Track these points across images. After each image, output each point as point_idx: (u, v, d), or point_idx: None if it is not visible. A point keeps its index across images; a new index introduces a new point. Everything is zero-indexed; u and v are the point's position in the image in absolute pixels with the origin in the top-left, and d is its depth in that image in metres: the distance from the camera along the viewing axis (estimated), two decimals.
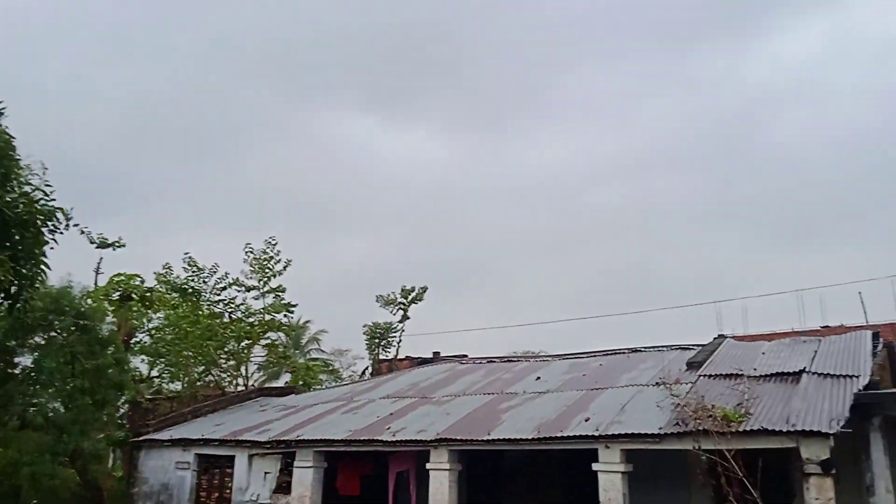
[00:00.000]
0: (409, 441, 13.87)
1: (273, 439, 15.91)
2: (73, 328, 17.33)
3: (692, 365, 14.80)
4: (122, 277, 25.19)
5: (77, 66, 71.06)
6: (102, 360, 17.48)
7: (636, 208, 68.89)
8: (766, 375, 13.18)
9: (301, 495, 15.10)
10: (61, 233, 11.22)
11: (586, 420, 12.62)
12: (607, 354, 18.64)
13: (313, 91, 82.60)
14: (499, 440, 12.80)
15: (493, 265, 72.42)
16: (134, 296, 24.64)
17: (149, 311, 24.92)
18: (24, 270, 10.93)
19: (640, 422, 11.94)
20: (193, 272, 24.39)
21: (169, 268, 24.55)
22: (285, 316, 25.53)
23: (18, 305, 11.33)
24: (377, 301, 29.37)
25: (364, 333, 29.97)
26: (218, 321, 23.92)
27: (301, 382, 25.60)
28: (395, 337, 29.50)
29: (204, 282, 24.46)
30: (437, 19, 76.98)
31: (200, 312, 23.51)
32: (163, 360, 24.58)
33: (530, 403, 14.66)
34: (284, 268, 25.12)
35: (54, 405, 17.48)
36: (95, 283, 25.14)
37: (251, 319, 24.78)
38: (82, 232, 19.02)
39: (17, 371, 17.34)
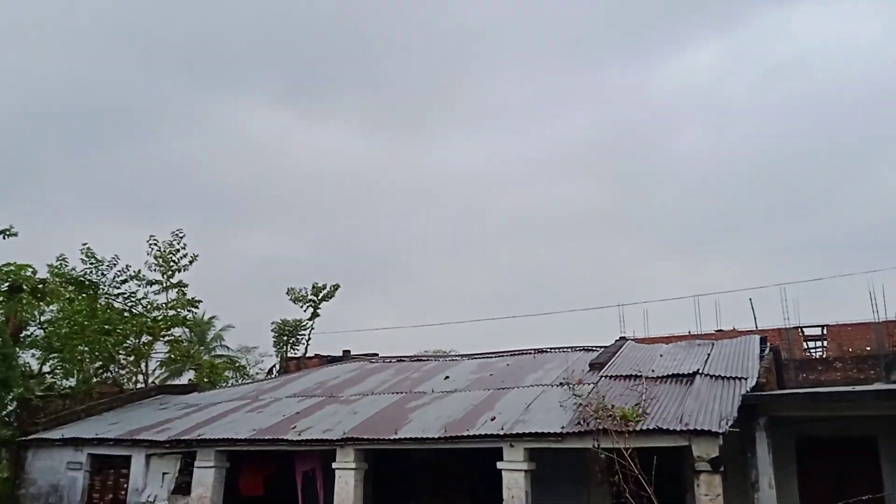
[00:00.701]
0: (315, 440, 13.71)
1: (172, 438, 15.38)
2: None
3: (595, 366, 15.28)
4: (12, 268, 23.71)
5: None
6: None
7: (544, 212, 70.67)
8: (663, 377, 13.75)
9: (201, 496, 14.66)
10: None
11: (492, 419, 12.82)
12: (514, 355, 18.99)
13: (227, 83, 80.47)
14: (406, 439, 12.83)
15: (405, 264, 72.69)
16: (25, 287, 23.25)
17: (41, 304, 23.55)
18: None
19: (544, 421, 12.23)
20: (91, 264, 23.22)
21: (64, 259, 23.29)
22: (189, 311, 24.69)
23: None
24: (287, 297, 28.89)
25: (272, 330, 29.41)
26: (117, 316, 22.88)
27: (206, 380, 24.85)
28: (304, 334, 29.09)
29: (103, 274, 23.34)
30: (357, 19, 76.53)
31: (98, 306, 22.43)
32: (56, 355, 23.33)
33: (438, 403, 14.77)
34: (191, 262, 24.30)
35: None
36: None
37: (153, 314, 23.84)
38: None
39: None
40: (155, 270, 23.99)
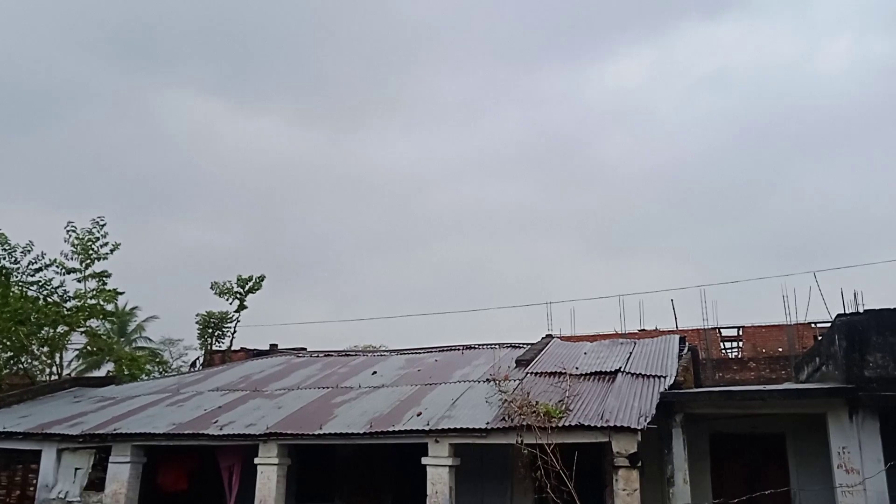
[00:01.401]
0: (237, 435, 13.43)
1: (86, 433, 14.79)
2: None
3: (521, 362, 15.48)
4: None
5: None
6: None
7: (477, 210, 71.28)
8: (587, 374, 14.05)
9: (115, 492, 14.16)
10: None
11: (418, 415, 12.83)
12: (443, 350, 19.08)
13: (158, 70, 78.01)
14: (330, 434, 12.71)
15: (337, 259, 72.09)
16: None
17: None
18: None
19: (469, 417, 12.32)
20: (4, 249, 22.11)
21: None
22: (109, 302, 23.78)
23: None
24: (212, 289, 28.21)
25: (197, 323, 28.69)
26: (31, 304, 21.84)
27: (125, 373, 24.00)
28: (229, 327, 28.49)
29: (16, 261, 22.25)
30: (293, 12, 75.29)
31: (10, 294, 21.36)
32: None
33: (364, 398, 14.69)
34: (112, 251, 23.39)
35: None
36: None
37: (70, 304, 22.85)
38: None
39: None
40: (73, 259, 23.01)
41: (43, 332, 22.52)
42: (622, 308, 33.65)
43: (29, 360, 23.26)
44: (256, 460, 13.24)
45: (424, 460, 12.00)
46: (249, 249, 68.97)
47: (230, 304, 28.44)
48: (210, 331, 28.44)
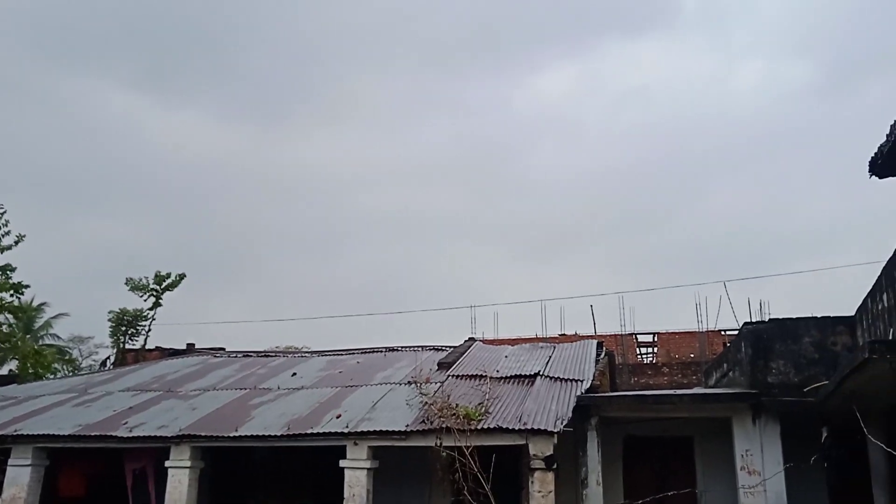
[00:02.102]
0: (148, 437, 12.95)
1: None
2: None
3: (443, 365, 15.54)
4: None
5: None
6: None
7: (403, 215, 71.32)
8: (507, 377, 14.23)
9: (14, 496, 13.41)
10: None
11: (337, 417, 12.69)
12: (365, 352, 18.95)
13: (73, 59, 74.60)
14: (246, 437, 12.42)
15: (260, 258, 70.68)
16: None
17: None
18: None
19: (389, 419, 12.27)
20: None
21: None
22: (13, 296, 22.54)
23: None
24: (127, 285, 27.18)
25: (110, 320, 27.57)
26: None
27: (30, 371, 22.81)
28: (144, 325, 27.50)
29: None
30: (221, 10, 73.54)
31: None
32: None
33: (283, 400, 14.44)
34: (16, 242, 22.16)
35: None
36: None
37: None
38: None
39: None
40: None
41: None
42: (544, 312, 34.37)
43: None
44: (168, 463, 12.81)
45: (342, 463, 11.88)
46: (169, 247, 66.87)
47: (145, 301, 27.49)
48: (123, 329, 27.37)
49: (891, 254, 9.24)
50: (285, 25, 76.13)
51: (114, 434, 13.14)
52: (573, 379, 13.80)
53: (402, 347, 18.92)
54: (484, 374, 14.28)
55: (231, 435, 12.51)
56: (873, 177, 6.80)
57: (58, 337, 34.97)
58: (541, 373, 14.22)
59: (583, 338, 23.97)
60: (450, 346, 18.01)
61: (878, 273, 10.04)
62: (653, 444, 14.14)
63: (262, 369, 17.85)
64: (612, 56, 79.14)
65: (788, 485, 11.80)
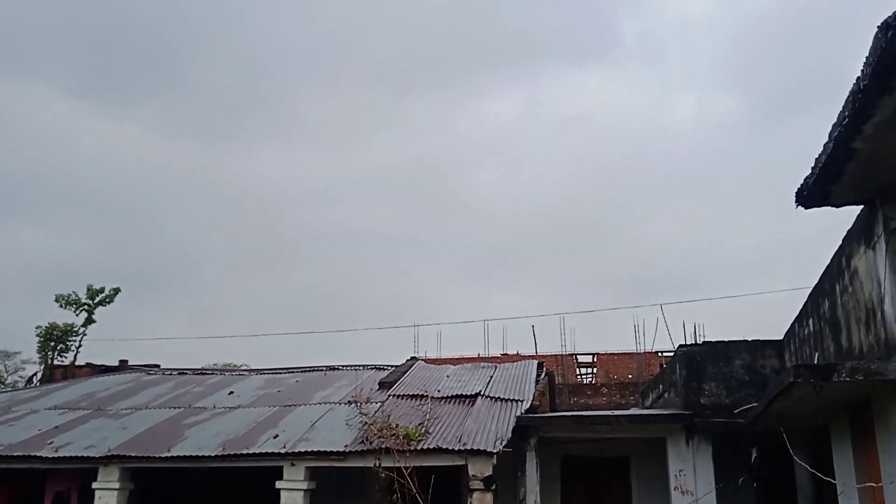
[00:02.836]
0: (75, 458, 12.46)
1: None
2: None
3: (384, 385, 15.44)
4: None
5: None
6: None
7: (347, 232, 70.94)
8: (448, 397, 14.22)
9: None
10: None
11: (275, 437, 12.46)
12: (304, 371, 18.68)
13: (7, 62, 71.94)
14: (179, 457, 12.07)
15: (198, 273, 69.19)
16: None
17: None
18: None
19: (328, 439, 12.11)
20: None
21: None
22: None
23: None
24: (57, 302, 26.22)
25: (38, 335, 26.51)
26: None
27: None
28: (75, 341, 26.54)
29: None
30: (166, 23, 72.38)
31: None
32: None
33: (219, 419, 14.10)
34: None
35: None
36: None
37: None
38: None
39: None
40: None
41: None
42: (486, 332, 34.57)
43: None
44: (95, 485, 12.33)
45: (278, 484, 11.65)
46: (104, 260, 65.00)
47: (77, 315, 26.55)
48: (52, 344, 26.37)
49: (816, 281, 9.63)
50: (233, 41, 75.54)
51: (37, 454, 12.60)
52: (513, 399, 13.89)
53: (342, 366, 18.72)
54: (425, 394, 14.24)
55: (163, 455, 12.14)
56: (800, 207, 7.07)
57: None
58: (482, 393, 14.26)
59: (524, 358, 24.15)
60: (391, 366, 17.91)
61: (805, 299, 10.44)
62: (590, 463, 14.32)
63: (197, 387, 17.41)
64: (555, 84, 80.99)
65: None
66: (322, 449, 11.67)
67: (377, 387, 15.46)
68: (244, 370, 21.45)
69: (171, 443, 12.62)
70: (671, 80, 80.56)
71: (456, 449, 11.18)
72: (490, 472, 11.07)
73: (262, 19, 76.71)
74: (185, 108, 76.85)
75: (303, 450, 11.73)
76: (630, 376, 29.32)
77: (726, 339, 13.04)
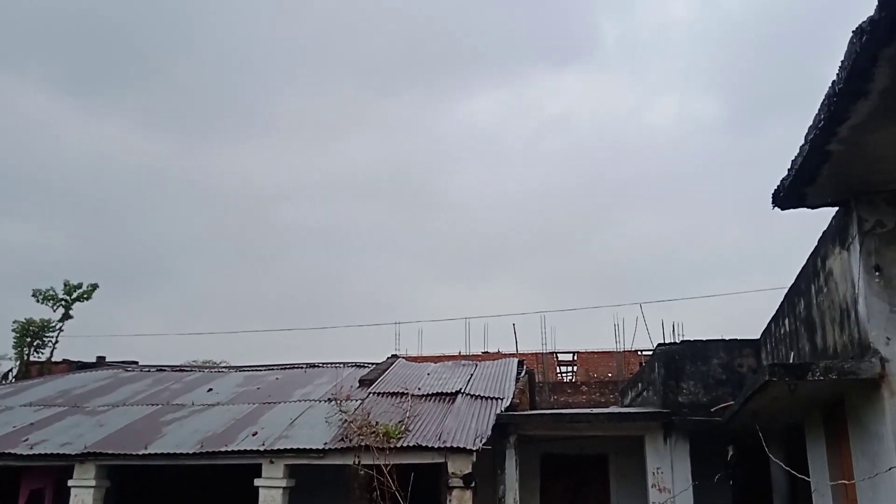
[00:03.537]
0: (51, 455, 12.33)
1: None
2: None
3: (364, 382, 15.42)
4: None
5: None
6: None
7: (328, 229, 70.72)
8: (429, 395, 14.23)
9: None
10: None
11: (254, 434, 12.41)
12: (284, 368, 18.60)
13: None
14: (156, 454, 11.98)
15: (179, 270, 68.60)
16: None
17: None
18: None
19: (307, 437, 12.08)
20: None
21: None
22: None
23: None
24: (34, 296, 25.90)
25: (13, 331, 26.17)
26: None
27: None
28: (51, 337, 26.23)
29: None
30: (149, 19, 71.58)
31: None
32: None
33: (197, 416, 14.01)
34: None
35: None
36: None
37: None
38: None
39: None
40: None
41: None
42: (468, 330, 34.55)
43: None
44: (70, 482, 12.22)
45: (257, 482, 11.61)
46: (82, 255, 64.07)
47: (55, 311, 26.25)
48: (28, 340, 26.03)
49: (792, 281, 9.75)
50: (214, 37, 74.78)
51: (12, 452, 12.46)
52: (493, 397, 13.93)
53: (322, 364, 18.67)
54: (405, 392, 14.23)
55: (140, 453, 12.05)
56: (776, 208, 7.16)
57: None
58: (462, 391, 14.29)
59: (505, 356, 24.22)
60: (372, 363, 17.89)
61: (781, 299, 10.57)
62: (569, 461, 14.40)
63: (176, 384, 17.28)
64: (537, 84, 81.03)
65: (696, 501, 12.21)
66: (301, 446, 11.64)
67: (357, 384, 15.44)
68: (223, 367, 21.33)
69: (149, 440, 12.53)
70: (651, 83, 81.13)
71: (436, 446, 11.20)
72: (470, 470, 11.10)
73: (243, 16, 76.08)
74: (165, 104, 76.02)
75: (282, 447, 11.70)
76: (610, 375, 29.49)
77: (704, 339, 13.17)
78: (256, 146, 75.17)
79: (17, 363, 26.57)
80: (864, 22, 4.46)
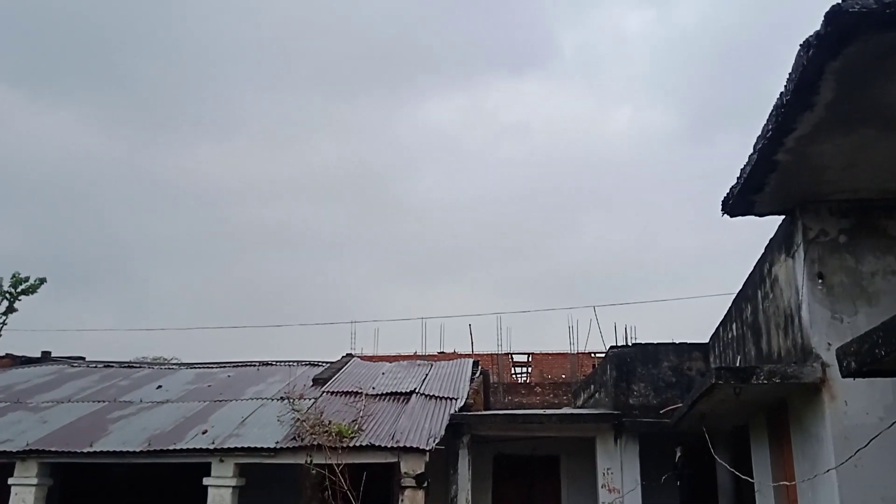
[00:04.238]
0: None
1: None
2: None
3: (318, 381, 15.29)
4: None
5: None
6: None
7: (285, 230, 70.09)
8: (382, 395, 14.19)
9: None
10: None
11: (204, 433, 12.22)
12: (237, 366, 18.33)
13: None
14: (102, 452, 11.71)
15: (131, 267, 67.15)
16: None
17: None
18: None
19: (259, 436, 11.94)
20: None
21: None
22: None
23: None
24: None
25: None
26: None
27: None
28: None
29: None
30: (103, 12, 69.95)
31: None
32: None
33: (146, 413, 13.73)
34: None
35: None
36: None
37: None
38: None
39: None
40: None
41: None
42: (424, 330, 34.57)
43: None
44: (11, 480, 11.86)
45: (206, 481, 11.43)
46: (30, 249, 62.26)
47: None
48: None
49: (740, 287, 9.99)
50: (173, 35, 73.36)
51: None
52: (448, 397, 13.96)
53: (276, 362, 18.45)
54: (360, 391, 14.17)
55: (85, 451, 11.76)
56: (726, 215, 7.33)
57: None
58: (416, 390, 14.28)
59: (461, 356, 24.27)
60: (327, 362, 17.76)
61: (729, 304, 10.83)
62: (522, 462, 14.52)
63: (124, 381, 16.90)
64: (496, 91, 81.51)
65: (645, 501, 12.42)
66: (252, 445, 11.50)
67: (311, 383, 15.30)
68: (174, 364, 20.93)
69: (94, 437, 12.24)
70: (607, 93, 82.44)
71: (389, 446, 11.18)
72: (422, 470, 11.11)
73: (203, 15, 74.93)
74: (120, 100, 74.24)
75: (232, 446, 11.54)
76: (564, 376, 29.79)
77: (655, 342, 13.42)
78: (215, 146, 74.17)
79: None
80: (810, 36, 4.61)
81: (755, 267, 9.09)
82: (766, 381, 7.11)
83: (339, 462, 11.06)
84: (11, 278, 25.54)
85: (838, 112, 5.34)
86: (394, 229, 69.69)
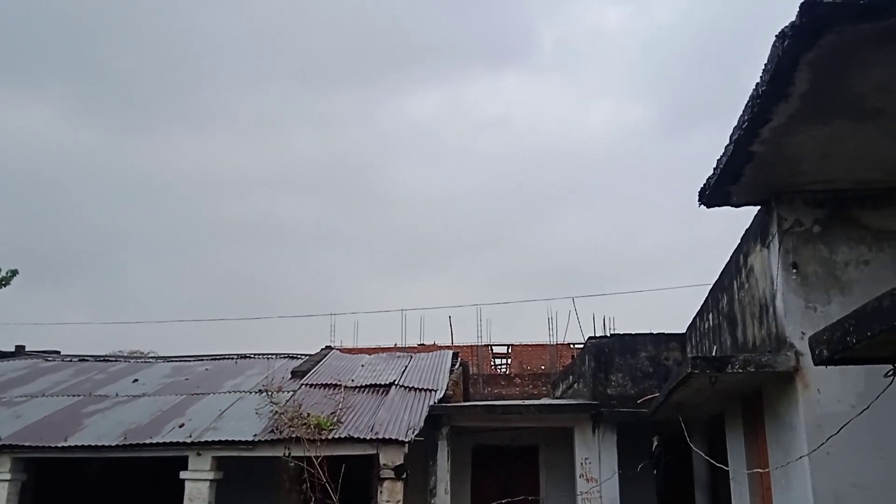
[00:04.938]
0: None
1: None
2: None
3: (297, 374, 15.22)
4: None
5: None
6: None
7: (264, 223, 69.72)
8: (362, 387, 14.16)
9: None
10: None
11: (181, 426, 12.11)
12: (214, 359, 18.17)
13: None
14: (77, 447, 11.57)
15: (109, 260, 66.42)
16: None
17: None
18: None
19: (236, 429, 11.85)
20: None
21: None
22: None
23: None
24: None
25: None
26: None
27: None
28: None
29: None
30: (88, 4, 68.83)
31: None
32: None
33: (122, 407, 13.58)
34: None
35: None
36: None
37: None
38: None
39: None
40: None
41: None
42: (404, 322, 34.65)
43: None
44: None
45: (183, 474, 11.33)
46: (2, 241, 61.25)
47: None
48: None
49: (716, 278, 10.09)
50: (149, 28, 72.37)
51: None
52: (427, 389, 13.96)
53: (254, 355, 18.32)
54: (339, 384, 14.12)
55: (59, 445, 11.61)
56: (702, 206, 7.39)
57: None
58: (396, 382, 14.27)
59: (441, 348, 24.27)
60: (305, 355, 17.66)
61: (706, 295, 10.93)
62: (501, 452, 14.58)
63: (99, 375, 16.70)
64: (476, 85, 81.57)
65: (622, 490, 12.53)
66: (230, 438, 11.42)
67: (290, 376, 15.22)
68: (150, 357, 20.71)
69: (69, 432, 12.09)
70: (586, 88, 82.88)
71: (367, 438, 11.16)
72: (401, 461, 11.10)
73: (182, 7, 74.08)
74: (97, 91, 73.25)
75: (210, 439, 11.45)
76: (543, 367, 29.96)
77: (633, 332, 13.52)
78: (194, 139, 73.49)
79: None
80: (786, 27, 4.63)
81: (731, 257, 9.18)
82: (740, 370, 7.18)
83: (318, 454, 11.02)
84: None
85: (813, 103, 5.38)
86: (374, 222, 69.66)
